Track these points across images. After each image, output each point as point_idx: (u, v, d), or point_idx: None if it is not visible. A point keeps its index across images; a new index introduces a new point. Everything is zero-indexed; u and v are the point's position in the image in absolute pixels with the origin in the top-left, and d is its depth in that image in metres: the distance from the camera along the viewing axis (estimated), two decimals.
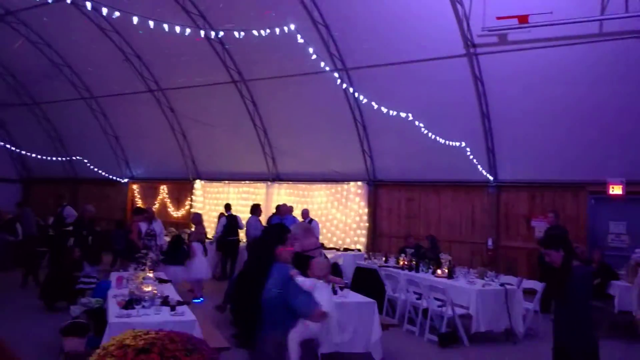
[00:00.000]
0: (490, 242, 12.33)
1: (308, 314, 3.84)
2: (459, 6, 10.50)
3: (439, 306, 8.09)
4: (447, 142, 11.90)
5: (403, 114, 11.38)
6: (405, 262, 9.89)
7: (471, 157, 12.11)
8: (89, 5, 8.03)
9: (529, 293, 8.64)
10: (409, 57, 11.66)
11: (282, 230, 4.40)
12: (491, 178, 12.37)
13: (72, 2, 12.03)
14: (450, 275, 8.72)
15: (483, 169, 12.29)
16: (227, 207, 14.00)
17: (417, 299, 8.61)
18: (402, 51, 11.71)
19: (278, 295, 3.87)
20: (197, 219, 11.73)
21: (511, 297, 7.96)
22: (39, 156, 19.81)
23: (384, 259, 10.88)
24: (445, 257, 9.50)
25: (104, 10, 8.29)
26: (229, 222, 13.33)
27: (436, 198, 13.40)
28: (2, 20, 15.29)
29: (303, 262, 4.44)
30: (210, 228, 15.14)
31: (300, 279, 3.95)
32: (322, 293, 3.98)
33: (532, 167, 11.86)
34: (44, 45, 16.37)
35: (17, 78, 18.52)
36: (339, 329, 6.15)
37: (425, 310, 8.17)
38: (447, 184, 13.14)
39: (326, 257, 5.60)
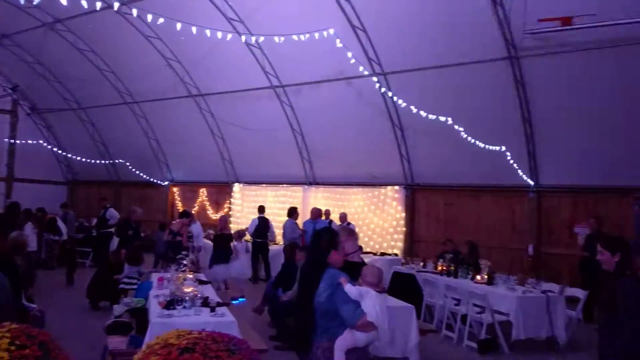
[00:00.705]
0: (530, 249, 12.10)
1: (353, 323, 3.78)
2: (499, 8, 10.37)
3: (478, 312, 7.98)
4: (486, 146, 11.75)
5: (442, 118, 11.29)
6: (444, 268, 9.81)
7: (511, 161, 11.92)
8: (135, 12, 8.26)
9: (571, 301, 8.45)
10: (449, 60, 11.55)
11: (334, 234, 4.31)
12: (532, 183, 12.14)
13: (117, 10, 12.40)
14: (489, 282, 8.60)
15: (524, 173, 12.08)
16: (261, 209, 14.13)
17: (456, 304, 8.51)
18: (442, 55, 11.61)
19: (326, 301, 3.82)
20: (223, 221, 12.08)
21: (553, 304, 7.80)
22: (84, 159, 20.43)
23: (421, 264, 10.81)
24: (484, 263, 9.36)
25: (149, 17, 8.51)
26: (259, 224, 13.48)
27: (475, 203, 13.24)
28: (51, 28, 15.83)
29: (350, 267, 4.37)
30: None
31: (347, 287, 3.87)
32: (370, 302, 3.86)
33: (574, 172, 11.60)
34: (90, 52, 16.87)
35: (64, 84, 19.12)
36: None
37: (464, 317, 8.07)
38: (487, 188, 12.97)
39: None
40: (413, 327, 6.62)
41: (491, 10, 10.44)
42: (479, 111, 11.94)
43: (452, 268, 9.53)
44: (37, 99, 20.76)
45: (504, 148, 11.79)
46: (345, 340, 3.79)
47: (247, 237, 13.20)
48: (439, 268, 9.99)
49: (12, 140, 20.42)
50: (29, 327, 1.63)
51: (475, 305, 8.05)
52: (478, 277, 8.93)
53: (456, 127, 11.51)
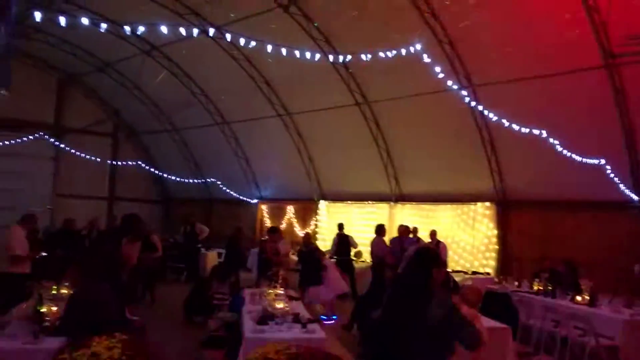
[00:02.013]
0: (637, 268, 11.27)
1: (476, 346, 3.64)
2: (595, 15, 9.86)
3: (579, 335, 7.51)
4: (584, 159, 11.13)
5: (536, 131, 10.83)
6: (541, 287, 9.34)
7: (612, 175, 11.21)
8: (229, 37, 8.59)
9: None
10: (541, 71, 11.10)
11: (437, 254, 4.21)
12: (636, 198, 11.35)
13: (208, 35, 12.98)
14: (592, 303, 8.09)
15: (626, 187, 11.32)
16: (340, 226, 14.16)
17: (554, 326, 8.06)
18: (533, 65, 11.19)
19: (440, 324, 3.67)
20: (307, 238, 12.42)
21: None
22: (178, 178, 21.39)
23: (516, 283, 10.36)
24: (585, 283, 8.81)
25: (242, 41, 8.82)
26: (340, 241, 13.48)
27: (572, 219, 12.52)
28: (148, 54, 16.81)
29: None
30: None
31: (464, 309, 3.74)
32: (481, 323, 3.74)
33: None
34: (184, 76, 17.73)
35: (160, 107, 20.18)
36: (469, 354, 5.91)
37: (564, 339, 7.62)
38: (585, 204, 12.24)
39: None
40: (509, 350, 6.33)
41: (586, 17, 9.95)
42: (575, 123, 11.35)
43: (550, 288, 9.05)
44: (136, 122, 22.05)
45: (603, 161, 11.12)
46: None
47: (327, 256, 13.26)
48: (536, 288, 9.53)
49: (114, 162, 21.79)
50: (136, 338, 1.69)
51: (576, 327, 7.58)
52: (579, 298, 8.43)
53: (551, 140, 11.00)
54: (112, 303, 5.21)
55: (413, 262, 4.03)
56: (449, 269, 10.41)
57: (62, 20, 9.66)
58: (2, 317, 5.65)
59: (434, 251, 4.24)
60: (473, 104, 12.26)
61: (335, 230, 15.74)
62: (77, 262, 5.92)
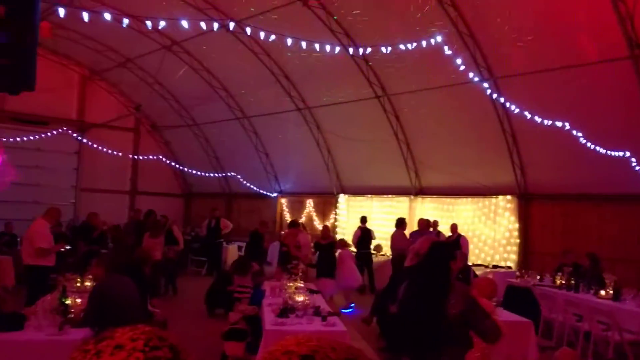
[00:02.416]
0: None
1: (496, 339, 3.63)
2: (621, 5, 9.67)
3: (603, 330, 7.42)
4: (608, 151, 10.95)
5: (559, 123, 10.68)
6: (563, 281, 9.23)
7: (637, 167, 11.02)
8: (249, 31, 8.61)
9: None
10: (564, 62, 10.93)
11: (452, 247, 4.25)
12: None
13: (228, 29, 13.03)
14: (616, 297, 7.98)
15: None
16: (363, 219, 14.17)
17: (578, 321, 7.97)
18: (556, 56, 11.02)
19: (460, 315, 3.67)
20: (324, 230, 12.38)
21: None
22: (198, 172, 21.55)
23: (538, 277, 10.26)
24: (609, 277, 8.70)
25: (262, 35, 8.84)
26: (362, 234, 13.50)
27: (596, 213, 12.34)
28: (169, 49, 16.92)
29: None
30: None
31: (482, 301, 3.73)
32: (497, 315, 3.73)
33: None
34: (204, 71, 17.81)
35: (181, 102, 20.32)
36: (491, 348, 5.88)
37: (588, 334, 7.53)
38: (609, 197, 12.05)
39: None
40: (531, 344, 6.29)
41: (611, 7, 9.75)
42: (599, 115, 11.17)
43: (573, 282, 8.95)
44: (157, 117, 22.24)
45: (628, 153, 10.93)
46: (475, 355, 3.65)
47: (352, 247, 13.26)
48: (558, 282, 9.42)
49: (136, 156, 22.03)
50: (159, 330, 1.71)
51: (599, 322, 7.48)
52: (602, 292, 8.33)
53: (574, 132, 10.84)
54: (133, 295, 5.29)
55: (430, 256, 4.02)
56: (469, 263, 10.33)
57: (85, 16, 9.78)
58: (27, 309, 5.77)
59: (450, 244, 4.25)
60: (494, 96, 12.13)
61: (355, 224, 15.76)
62: (99, 256, 6.01)
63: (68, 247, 9.80)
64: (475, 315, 3.62)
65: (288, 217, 19.41)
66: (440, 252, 4.06)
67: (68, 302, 5.50)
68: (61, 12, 9.64)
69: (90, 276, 6.71)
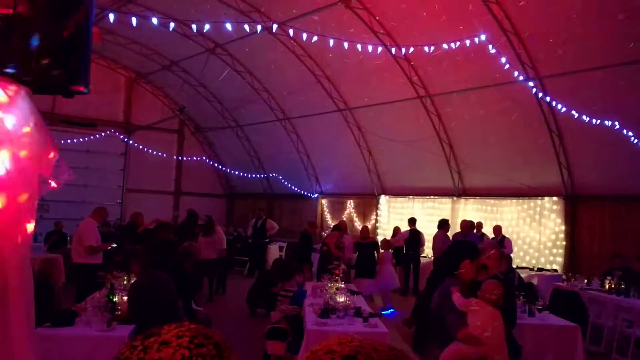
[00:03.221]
0: None
1: (453, 334, 3.64)
2: None
3: None
4: None
5: (608, 122, 10.36)
6: (613, 286, 8.94)
7: None
8: (291, 32, 8.67)
9: None
10: (612, 60, 10.60)
11: (475, 247, 4.21)
12: None
13: (271, 32, 13.15)
14: None
15: None
16: (412, 221, 14.07)
17: (628, 326, 7.71)
18: (603, 54, 10.69)
19: (435, 311, 3.72)
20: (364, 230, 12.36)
21: None
22: (241, 173, 21.82)
23: (586, 281, 9.97)
24: None
25: (304, 36, 8.89)
26: (410, 236, 13.41)
27: None
28: (212, 52, 17.19)
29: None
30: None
31: (455, 297, 3.72)
32: (475, 317, 3.67)
33: None
34: (246, 73, 18.02)
35: (223, 104, 20.62)
36: (537, 353, 5.76)
37: (638, 340, 7.28)
38: None
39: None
40: (578, 349, 6.12)
41: None
42: None
43: (623, 286, 8.65)
44: (200, 119, 22.64)
45: None
46: (448, 352, 3.64)
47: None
48: (607, 286, 9.13)
49: (180, 157, 22.48)
50: (204, 327, 1.74)
51: None
52: None
53: (624, 131, 10.49)
54: (168, 292, 5.36)
55: (447, 250, 4.04)
56: (514, 265, 10.13)
57: (134, 21, 10.03)
58: (77, 305, 5.95)
59: (472, 244, 4.21)
60: (540, 95, 11.86)
61: (396, 225, 15.66)
62: (137, 254, 6.14)
63: (115, 246, 10.06)
64: (444, 307, 3.63)
65: (329, 218, 19.45)
66: (458, 247, 4.06)
67: (115, 299, 5.65)
68: (111, 17, 9.92)
69: (132, 273, 6.87)
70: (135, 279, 6.76)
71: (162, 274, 5.47)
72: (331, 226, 16.12)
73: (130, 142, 20.72)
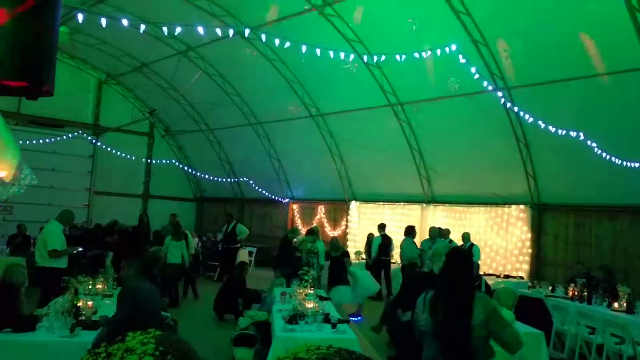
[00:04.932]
0: None
1: (519, 347, 3.58)
2: (638, 14, 9.59)
3: (616, 343, 7.33)
4: (624, 162, 10.84)
5: (573, 133, 10.60)
6: (576, 293, 9.14)
7: None
8: (263, 37, 8.67)
9: None
10: (579, 72, 10.87)
11: (470, 254, 4.20)
12: None
13: (243, 36, 13.10)
14: (630, 310, 7.88)
15: None
16: (382, 226, 14.13)
17: (590, 333, 7.88)
18: (572, 66, 10.95)
19: (481, 325, 3.62)
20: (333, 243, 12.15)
21: None
22: (211, 177, 21.65)
23: (550, 288, 10.16)
24: (623, 290, 8.59)
25: (276, 42, 8.89)
26: (382, 241, 13.47)
27: (610, 224, 12.21)
28: (184, 55, 17.05)
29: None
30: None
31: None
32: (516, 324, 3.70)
33: None
34: (218, 77, 17.91)
35: (195, 107, 20.45)
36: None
37: (600, 347, 7.44)
38: (624, 208, 11.92)
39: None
40: (543, 355, 6.22)
41: (630, 18, 9.67)
42: (616, 125, 11.06)
43: (586, 293, 8.85)
44: (171, 122, 22.40)
45: None
46: None
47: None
48: (570, 293, 9.33)
49: (149, 160, 22.20)
50: (170, 334, 1.72)
51: (613, 335, 7.39)
52: (616, 305, 8.23)
53: (589, 142, 10.76)
54: (156, 300, 5.30)
55: (452, 262, 3.87)
56: (481, 272, 10.26)
57: (103, 22, 9.88)
58: (39, 310, 5.81)
59: (467, 251, 4.20)
60: (508, 105, 12.08)
61: (367, 231, 15.73)
62: (129, 260, 5.98)
63: (80, 250, 9.85)
64: (496, 324, 3.56)
65: (299, 223, 19.43)
66: (462, 257, 3.95)
67: (80, 304, 5.54)
68: (80, 17, 9.75)
69: (121, 275, 6.69)
70: (104, 284, 6.64)
71: (149, 282, 5.43)
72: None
73: (99, 143, 20.37)
